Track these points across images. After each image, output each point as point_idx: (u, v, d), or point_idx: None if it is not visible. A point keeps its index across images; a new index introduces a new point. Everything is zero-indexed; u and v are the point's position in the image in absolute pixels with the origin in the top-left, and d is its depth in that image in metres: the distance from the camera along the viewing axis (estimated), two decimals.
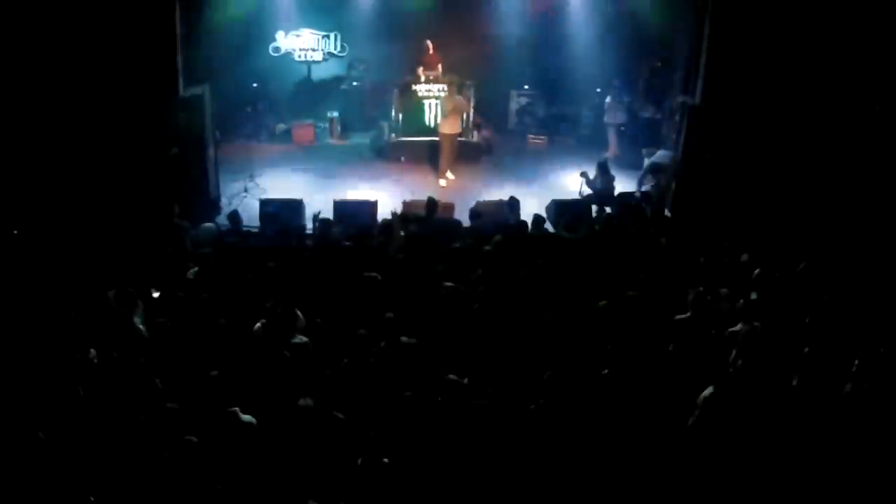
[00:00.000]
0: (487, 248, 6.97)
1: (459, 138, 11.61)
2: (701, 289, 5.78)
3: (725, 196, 9.03)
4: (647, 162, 11.08)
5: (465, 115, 11.81)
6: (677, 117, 10.09)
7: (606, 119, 12.69)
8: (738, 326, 5.53)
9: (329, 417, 4.53)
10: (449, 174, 11.32)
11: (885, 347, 5.00)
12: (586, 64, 13.08)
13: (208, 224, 8.49)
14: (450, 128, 11.25)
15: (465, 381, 4.83)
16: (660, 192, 9.99)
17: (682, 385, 4.98)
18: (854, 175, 8.78)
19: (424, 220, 8.06)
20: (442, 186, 10.96)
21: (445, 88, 11.64)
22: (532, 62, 13.44)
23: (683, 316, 5.71)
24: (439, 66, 12.30)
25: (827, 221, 8.28)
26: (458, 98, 11.39)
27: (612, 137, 12.63)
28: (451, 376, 4.74)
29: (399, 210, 8.67)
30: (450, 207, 9.29)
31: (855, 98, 8.88)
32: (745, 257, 6.86)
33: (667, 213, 9.37)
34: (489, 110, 13.32)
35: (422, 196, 9.17)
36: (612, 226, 8.23)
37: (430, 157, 11.77)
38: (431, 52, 12.27)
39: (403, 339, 5.34)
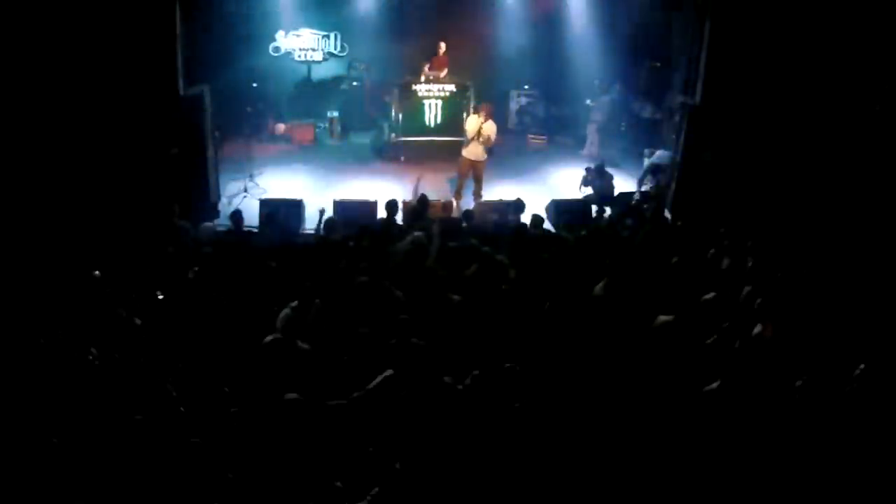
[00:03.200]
0: (486, 248, 6.94)
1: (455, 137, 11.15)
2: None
3: (725, 196, 9.04)
4: (647, 162, 11.09)
5: (463, 117, 11.39)
6: (677, 117, 10.09)
7: (592, 117, 12.68)
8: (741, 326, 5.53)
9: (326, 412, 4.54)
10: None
11: (887, 347, 5.01)
12: (586, 64, 13.08)
13: (206, 224, 8.48)
14: (472, 154, 10.30)
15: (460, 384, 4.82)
16: (660, 192, 10.00)
17: (681, 385, 4.98)
18: (854, 175, 8.79)
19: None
20: (451, 200, 10.27)
21: (481, 116, 10.44)
22: (532, 62, 13.46)
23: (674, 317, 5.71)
24: (446, 69, 12.29)
25: (827, 221, 8.28)
26: (490, 126, 10.25)
27: (592, 136, 12.59)
28: (447, 379, 4.73)
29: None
30: (449, 206, 9.29)
31: (855, 98, 8.89)
32: (726, 263, 6.84)
33: (667, 213, 9.37)
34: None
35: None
36: (612, 226, 8.23)
37: (430, 157, 11.77)
38: (442, 53, 12.24)
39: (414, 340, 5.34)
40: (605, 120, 12.72)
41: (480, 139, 10.10)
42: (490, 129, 10.18)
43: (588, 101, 12.67)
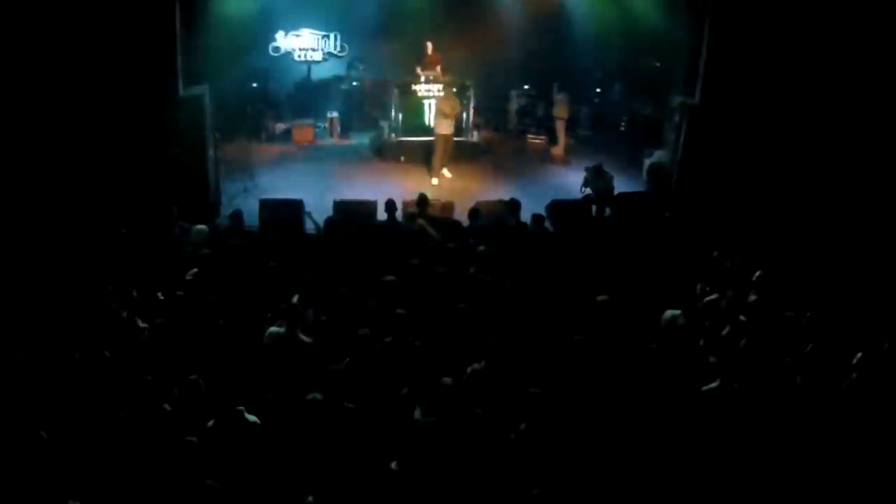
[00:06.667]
0: (482, 248, 6.91)
1: (455, 138, 11.56)
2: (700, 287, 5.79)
3: (725, 195, 9.04)
4: (646, 162, 11.08)
5: (463, 115, 11.80)
6: (677, 117, 10.09)
7: (555, 113, 12.68)
8: (736, 325, 5.54)
9: (337, 411, 4.54)
10: (446, 172, 11.28)
11: (887, 344, 5.01)
12: (586, 64, 13.08)
13: (199, 226, 8.39)
14: (444, 128, 11.19)
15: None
16: (659, 191, 9.99)
17: (677, 385, 4.98)
18: (854, 174, 8.79)
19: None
20: (433, 185, 10.89)
21: (442, 89, 11.64)
22: (532, 62, 13.46)
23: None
24: (438, 67, 12.32)
25: (827, 220, 8.28)
26: (454, 99, 11.34)
27: (560, 134, 12.59)
28: (446, 380, 4.72)
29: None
30: (449, 207, 9.27)
31: (854, 97, 8.89)
32: (728, 263, 6.83)
33: (666, 213, 9.36)
34: (489, 110, 13.32)
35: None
36: (612, 226, 8.22)
37: (429, 156, 11.78)
38: (430, 52, 12.30)
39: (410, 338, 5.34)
40: (567, 116, 12.67)
41: (447, 113, 11.15)
42: (456, 102, 11.37)
43: (557, 97, 12.65)
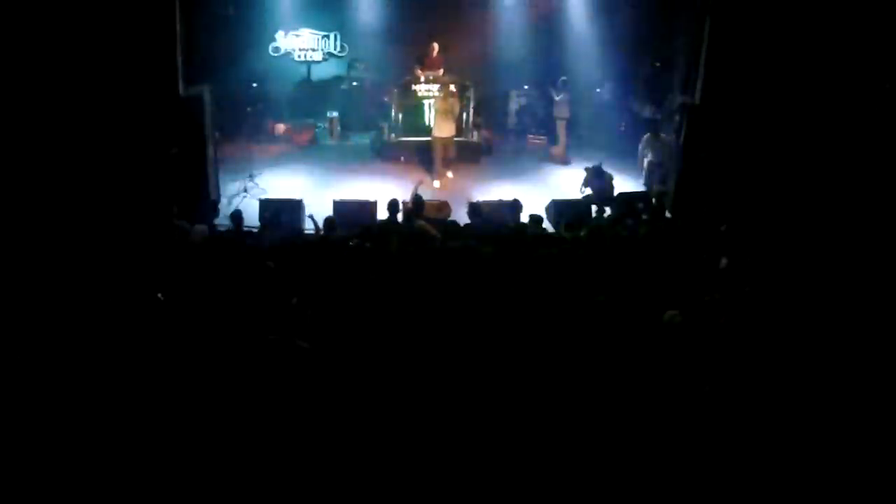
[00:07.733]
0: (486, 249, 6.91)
1: (456, 139, 11.59)
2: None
3: (725, 195, 9.04)
4: (645, 162, 11.08)
5: (462, 117, 11.82)
6: (677, 117, 10.09)
7: (556, 113, 12.68)
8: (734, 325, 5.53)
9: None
10: (448, 173, 11.31)
11: (884, 344, 5.02)
12: (586, 64, 13.08)
13: (199, 226, 8.39)
14: (440, 131, 11.19)
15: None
16: (660, 191, 9.99)
17: (677, 385, 4.98)
18: (854, 174, 8.79)
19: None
20: (435, 188, 10.93)
21: (440, 89, 11.66)
22: (532, 62, 13.45)
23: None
24: (441, 69, 12.31)
25: (826, 220, 8.28)
26: (451, 100, 11.33)
27: (561, 134, 12.59)
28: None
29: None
30: (445, 206, 9.25)
31: (855, 97, 8.89)
32: (724, 262, 6.83)
33: (667, 213, 9.37)
34: (489, 110, 13.33)
35: (423, 196, 9.14)
36: (612, 225, 8.22)
37: (428, 157, 11.79)
38: (436, 53, 12.28)
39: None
40: (568, 116, 12.66)
41: (451, 114, 11.19)
42: (453, 103, 11.29)
43: (555, 98, 12.63)
